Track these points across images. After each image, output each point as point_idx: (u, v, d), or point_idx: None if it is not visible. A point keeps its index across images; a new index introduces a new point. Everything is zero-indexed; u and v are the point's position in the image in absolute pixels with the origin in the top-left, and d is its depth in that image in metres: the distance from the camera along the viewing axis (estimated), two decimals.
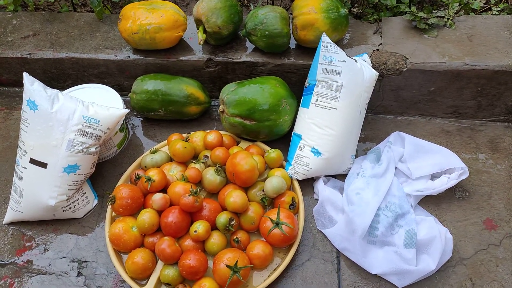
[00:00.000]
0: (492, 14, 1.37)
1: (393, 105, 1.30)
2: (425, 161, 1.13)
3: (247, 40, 1.28)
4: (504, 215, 1.09)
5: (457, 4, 1.33)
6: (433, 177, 1.13)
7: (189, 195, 0.99)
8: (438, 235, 0.98)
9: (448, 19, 1.27)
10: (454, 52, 1.20)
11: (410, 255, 0.97)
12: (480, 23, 1.28)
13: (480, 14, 1.38)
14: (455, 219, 1.08)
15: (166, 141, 1.22)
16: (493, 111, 1.27)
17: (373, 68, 1.20)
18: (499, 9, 1.39)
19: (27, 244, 1.08)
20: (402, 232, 1.01)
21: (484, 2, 1.44)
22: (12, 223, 1.12)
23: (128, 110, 1.12)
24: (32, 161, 1.02)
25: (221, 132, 1.20)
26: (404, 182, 1.13)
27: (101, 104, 1.10)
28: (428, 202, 1.11)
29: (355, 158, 1.17)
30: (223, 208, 1.05)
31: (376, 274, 0.99)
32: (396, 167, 1.15)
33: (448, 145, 1.22)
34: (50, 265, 1.04)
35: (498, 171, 1.18)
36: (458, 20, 1.29)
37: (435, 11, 1.29)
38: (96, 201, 1.15)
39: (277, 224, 0.98)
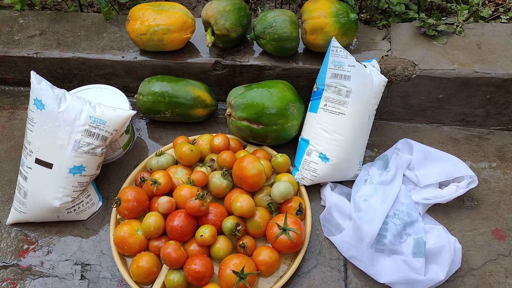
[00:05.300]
0: (501, 22, 1.36)
1: (400, 112, 1.29)
2: (434, 168, 1.12)
3: (255, 43, 1.28)
4: None
5: (466, 11, 1.33)
6: (441, 185, 1.12)
7: (195, 199, 0.97)
8: (447, 245, 0.97)
9: (457, 26, 1.27)
10: (463, 59, 1.20)
11: (418, 264, 0.96)
12: (489, 31, 1.27)
13: (489, 22, 1.37)
14: (463, 229, 1.07)
15: (171, 143, 1.21)
16: (501, 120, 1.26)
17: (382, 74, 1.19)
18: (508, 17, 1.38)
19: (30, 246, 1.07)
20: (411, 241, 0.99)
21: (493, 10, 1.43)
22: (15, 224, 1.10)
23: (135, 112, 1.11)
24: (38, 161, 1.00)
25: (228, 135, 1.19)
26: (412, 190, 1.12)
27: (108, 105, 1.09)
28: (437, 210, 1.10)
29: (362, 165, 1.16)
30: (229, 213, 1.04)
31: (384, 283, 0.98)
32: (404, 175, 1.14)
33: (455, 153, 1.21)
34: (53, 267, 1.03)
35: (506, 180, 1.16)
36: (467, 27, 1.28)
37: (444, 18, 1.28)
38: (100, 203, 1.13)
39: (284, 230, 0.97)
